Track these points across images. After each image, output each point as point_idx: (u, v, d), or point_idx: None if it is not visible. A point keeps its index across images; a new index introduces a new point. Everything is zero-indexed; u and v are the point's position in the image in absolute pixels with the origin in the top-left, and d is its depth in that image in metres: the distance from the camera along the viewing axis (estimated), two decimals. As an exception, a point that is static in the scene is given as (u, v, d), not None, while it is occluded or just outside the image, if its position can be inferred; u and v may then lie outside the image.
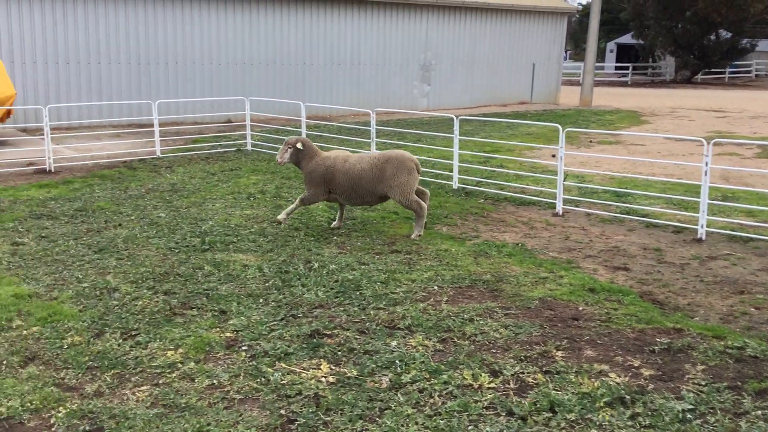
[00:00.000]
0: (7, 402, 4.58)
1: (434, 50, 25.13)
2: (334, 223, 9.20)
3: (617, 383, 4.91)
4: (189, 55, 19.54)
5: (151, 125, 18.09)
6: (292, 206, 9.12)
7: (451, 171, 12.10)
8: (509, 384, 4.89)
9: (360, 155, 8.97)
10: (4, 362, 5.13)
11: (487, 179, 12.18)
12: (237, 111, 19.90)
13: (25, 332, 5.65)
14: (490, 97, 27.23)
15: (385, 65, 23.92)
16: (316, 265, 7.49)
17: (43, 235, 8.44)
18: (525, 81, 28.36)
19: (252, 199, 10.71)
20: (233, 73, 20.52)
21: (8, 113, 14.51)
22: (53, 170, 12.68)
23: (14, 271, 7.11)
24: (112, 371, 5.03)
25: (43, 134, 15.88)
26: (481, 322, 5.97)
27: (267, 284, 6.89)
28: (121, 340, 5.53)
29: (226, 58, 20.29)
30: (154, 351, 5.35)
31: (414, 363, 5.14)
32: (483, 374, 5.00)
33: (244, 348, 5.43)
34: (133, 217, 9.43)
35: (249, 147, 15.42)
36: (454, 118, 11.90)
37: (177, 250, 7.97)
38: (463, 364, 5.15)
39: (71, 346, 5.40)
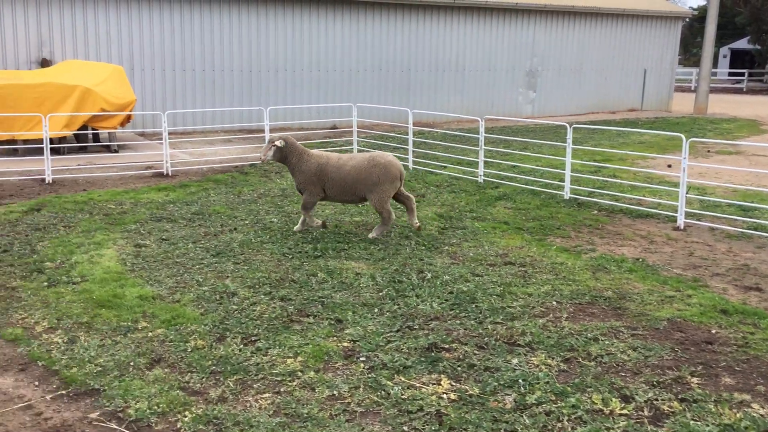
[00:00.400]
0: (135, 404, 4.69)
1: (541, 56, 24.63)
2: (296, 227, 9.15)
3: (761, 415, 4.55)
4: (298, 63, 19.91)
5: (261, 131, 18.53)
6: (302, 218, 9.07)
7: (561, 180, 11.74)
8: (643, 411, 4.61)
9: (349, 155, 9.08)
10: (132, 363, 5.27)
11: (599, 189, 11.75)
12: (342, 117, 20.14)
13: (150, 334, 5.81)
14: (598, 104, 26.43)
15: (489, 71, 23.63)
16: (429, 275, 7.38)
17: (163, 237, 8.71)
18: (635, 88, 27.38)
19: (360, 206, 10.72)
20: (339, 80, 20.77)
21: (128, 118, 15.16)
22: (170, 174, 13.14)
23: (138, 273, 7.35)
24: (235, 377, 5.07)
25: (159, 138, 16.55)
26: (606, 342, 5.69)
27: (381, 294, 6.83)
28: (242, 346, 5.58)
29: (333, 64, 20.56)
30: (274, 358, 5.37)
31: (538, 383, 4.94)
32: (613, 399, 4.74)
33: (362, 359, 5.38)
34: (247, 222, 9.61)
35: (355, 153, 15.50)
36: (567, 126, 11.54)
37: (290, 256, 8.04)
38: (590, 387, 4.90)
39: (195, 350, 5.50)
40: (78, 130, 14.39)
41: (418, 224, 9.20)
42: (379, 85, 21.54)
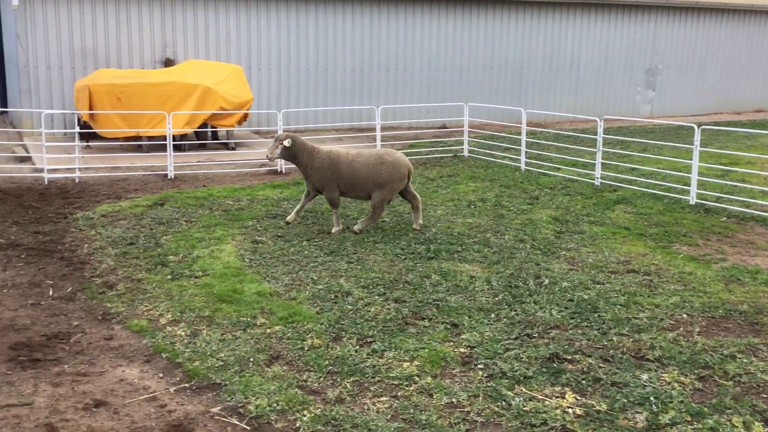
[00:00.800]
0: (256, 400, 4.72)
1: (661, 54, 23.54)
2: (290, 217, 9.22)
3: None
4: (409, 62, 19.88)
5: (371, 129, 18.62)
6: (334, 217, 8.96)
7: (686, 185, 11.13)
8: (791, 439, 4.24)
9: (358, 150, 8.99)
10: (251, 359, 5.33)
11: (728, 195, 11.06)
12: (451, 116, 19.94)
13: (268, 330, 5.86)
14: (722, 104, 25.01)
15: (606, 70, 22.81)
16: (547, 281, 7.12)
17: (279, 234, 8.83)
18: (763, 87, 25.74)
19: (472, 207, 10.54)
20: (450, 79, 20.59)
21: (245, 117, 15.57)
22: (283, 171, 13.38)
23: (256, 269, 7.47)
24: (352, 378, 5.03)
25: (272, 137, 16.89)
26: (744, 361, 5.29)
27: (497, 298, 6.65)
28: (357, 346, 5.54)
29: (444, 63, 20.40)
30: (390, 361, 5.29)
31: (671, 402, 4.63)
32: (756, 423, 4.37)
33: (480, 366, 5.22)
34: (358, 220, 9.61)
35: (466, 153, 15.31)
36: (695, 126, 10.91)
37: (403, 257, 7.97)
38: (730, 409, 4.55)
39: (312, 349, 5.50)
40: (198, 127, 14.91)
41: (421, 225, 9.06)
42: (490, 84, 21.21)
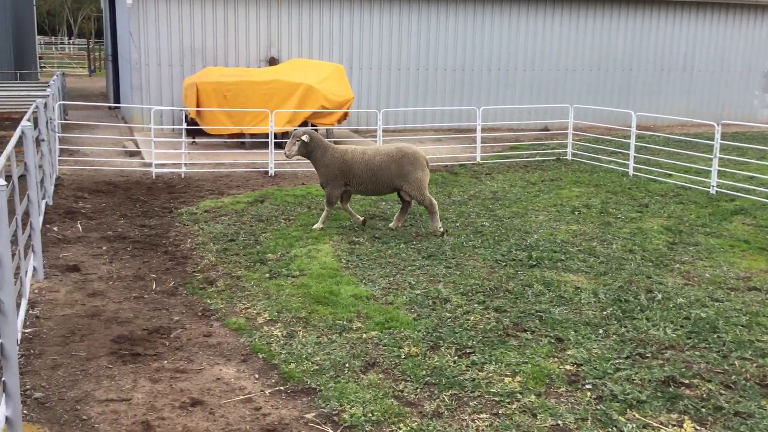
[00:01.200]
0: (351, 408, 4.58)
1: (783, 55, 22.08)
2: (353, 220, 9.07)
3: None
4: (512, 62, 19.43)
5: (471, 130, 18.31)
6: (324, 214, 8.92)
7: (814, 196, 10.30)
8: None
9: (375, 148, 8.91)
10: (347, 365, 5.20)
11: None
12: (554, 118, 19.37)
13: (364, 335, 5.72)
14: None
15: (722, 72, 21.59)
16: (660, 296, 6.67)
17: (376, 236, 8.71)
18: None
19: (577, 213, 10.10)
20: (554, 80, 20.00)
21: (345, 116, 15.61)
22: (382, 171, 13.28)
23: (352, 271, 7.36)
24: (450, 391, 4.82)
25: (372, 136, 16.89)
26: None
27: (604, 313, 6.27)
28: (456, 357, 5.32)
29: (548, 64, 19.83)
30: (490, 375, 5.04)
31: (805, 440, 4.18)
32: None
33: (588, 386, 4.89)
34: (457, 224, 9.38)
35: (569, 156, 14.78)
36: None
37: (504, 264, 7.68)
38: None
39: (408, 357, 5.32)
40: (299, 125, 15.04)
41: (397, 226, 8.98)
42: (596, 85, 20.46)
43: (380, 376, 5.05)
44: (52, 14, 65.22)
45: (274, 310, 6.24)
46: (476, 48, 19.03)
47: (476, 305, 6.39)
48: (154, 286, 6.89)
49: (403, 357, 5.33)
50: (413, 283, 6.99)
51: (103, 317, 6.03)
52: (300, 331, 5.82)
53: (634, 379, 4.97)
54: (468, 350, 5.45)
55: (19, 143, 6.56)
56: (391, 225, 9.09)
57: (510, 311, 6.26)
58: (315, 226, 8.89)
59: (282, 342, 5.61)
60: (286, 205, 10.25)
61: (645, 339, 5.69)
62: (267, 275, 7.17)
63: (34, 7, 31.58)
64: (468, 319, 6.05)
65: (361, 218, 9.14)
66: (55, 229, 8.58)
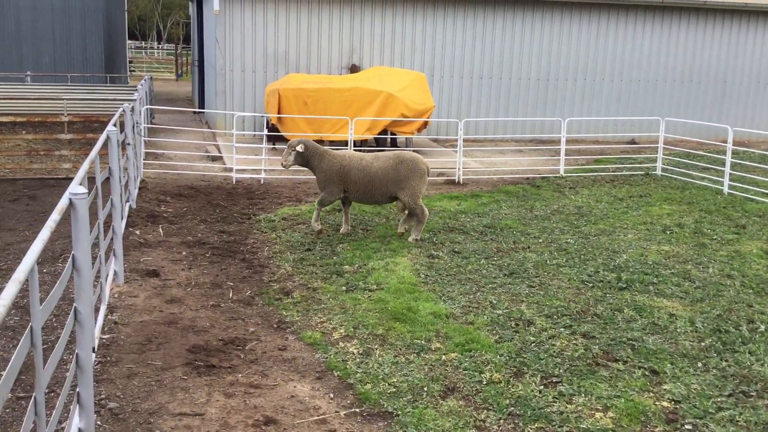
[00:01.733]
0: (429, 436, 4.34)
1: None
2: (342, 229, 8.95)
3: None
4: (599, 71, 18.82)
5: (553, 142, 17.80)
6: (315, 213, 8.77)
7: None
8: None
9: (374, 154, 8.80)
10: (425, 389, 4.96)
11: None
12: (641, 131, 18.66)
13: (443, 357, 5.48)
14: None
15: (825, 85, 20.36)
16: (762, 327, 6.18)
17: (455, 250, 8.45)
18: None
19: (668, 232, 9.57)
20: (642, 90, 19.26)
21: (425, 124, 15.39)
22: (461, 182, 13.01)
23: (431, 287, 7.12)
24: (536, 424, 4.51)
25: (452, 145, 16.62)
26: None
27: (703, 344, 5.83)
28: (542, 387, 5.01)
29: (637, 74, 19.11)
30: (580, 408, 4.71)
31: None
32: None
33: (687, 426, 4.51)
34: (540, 240, 9.02)
35: (659, 171, 14.13)
36: None
37: (591, 285, 7.29)
38: None
39: (490, 383, 5.04)
40: (378, 134, 14.91)
41: (403, 232, 8.88)
42: (687, 97, 19.60)
43: (460, 402, 4.79)
44: (143, 19, 67.59)
45: (351, 326, 6.06)
46: (561, 57, 18.51)
47: (562, 329, 6.05)
48: (231, 295, 6.83)
49: (484, 383, 5.05)
50: (494, 302, 6.70)
51: (180, 325, 5.99)
52: (377, 349, 5.62)
53: (738, 421, 4.56)
54: (554, 379, 5.12)
55: (105, 147, 6.61)
56: (399, 229, 8.91)
57: (599, 338, 5.89)
58: (313, 226, 8.76)
59: (358, 360, 5.42)
60: (363, 214, 10.10)
61: (748, 375, 5.24)
62: (344, 288, 7.01)
63: (126, 13, 32.69)
64: (554, 345, 5.72)
65: (347, 229, 8.98)
66: (137, 232, 8.67)
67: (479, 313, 6.41)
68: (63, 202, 3.61)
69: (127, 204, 9.40)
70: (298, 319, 6.23)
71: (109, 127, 6.71)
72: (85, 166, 4.68)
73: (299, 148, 8.66)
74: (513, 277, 7.47)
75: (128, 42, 37.84)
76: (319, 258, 7.98)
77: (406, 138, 15.52)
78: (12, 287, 2.42)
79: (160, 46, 68.31)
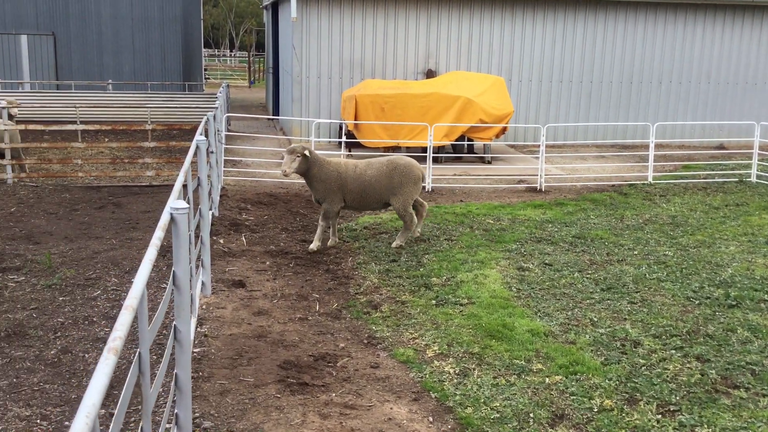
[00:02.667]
0: (541, 469, 4.03)
1: None
2: (330, 241, 8.65)
3: None
4: (685, 74, 18.04)
5: (635, 147, 17.15)
6: (319, 230, 8.46)
7: None
8: None
9: (367, 161, 8.63)
10: (531, 415, 4.65)
11: None
12: (731, 136, 17.81)
13: (547, 380, 5.14)
14: None
15: None
16: None
17: (546, 262, 8.08)
18: None
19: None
20: (731, 94, 18.38)
21: (503, 130, 15.01)
22: (543, 189, 12.59)
23: (524, 301, 6.79)
24: (657, 459, 4.15)
25: (530, 151, 16.18)
26: None
27: (832, 370, 5.32)
28: (659, 416, 4.63)
29: (726, 76, 18.25)
30: (704, 441, 4.32)
31: None
32: None
33: (830, 467, 4.06)
34: (635, 252, 8.56)
35: (754, 179, 13.38)
36: None
37: (697, 302, 6.82)
38: None
39: (602, 411, 4.69)
40: (456, 140, 14.61)
41: (419, 234, 8.87)
42: (781, 99, 18.61)
43: (571, 431, 4.45)
44: (216, 28, 69.07)
45: (444, 343, 5.79)
46: (645, 58, 17.82)
47: (673, 351, 5.63)
48: (317, 308, 6.65)
49: (595, 410, 4.70)
50: (595, 319, 6.32)
51: (269, 339, 5.83)
52: (474, 369, 5.33)
53: None
54: (672, 407, 4.73)
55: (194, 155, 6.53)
56: (329, 243, 8.67)
57: (715, 361, 5.46)
58: (311, 247, 8.39)
59: (455, 381, 5.14)
60: (446, 223, 9.82)
61: None
62: (433, 302, 6.74)
63: (202, 21, 33.34)
64: (666, 369, 5.32)
65: (335, 241, 8.70)
66: (221, 241, 8.62)
67: (580, 331, 6.04)
68: (165, 218, 3.47)
69: (211, 212, 9.38)
70: (389, 335, 6.00)
71: (198, 137, 6.64)
72: (180, 178, 4.57)
73: (306, 153, 8.23)
74: (611, 293, 7.06)
75: (203, 50, 38.62)
76: (405, 270, 7.74)
77: (483, 144, 15.17)
78: (126, 316, 2.25)
79: (233, 53, 69.65)
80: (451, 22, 16.84)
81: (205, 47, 59.78)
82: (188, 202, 5.29)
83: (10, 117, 12.12)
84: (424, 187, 9.57)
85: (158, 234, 3.18)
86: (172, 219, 3.61)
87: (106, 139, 17.09)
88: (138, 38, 23.93)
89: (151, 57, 24.07)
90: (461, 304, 6.66)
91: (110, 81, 22.60)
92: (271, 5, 22.65)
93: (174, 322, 3.71)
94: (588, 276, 7.59)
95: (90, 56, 23.56)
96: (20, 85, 22.78)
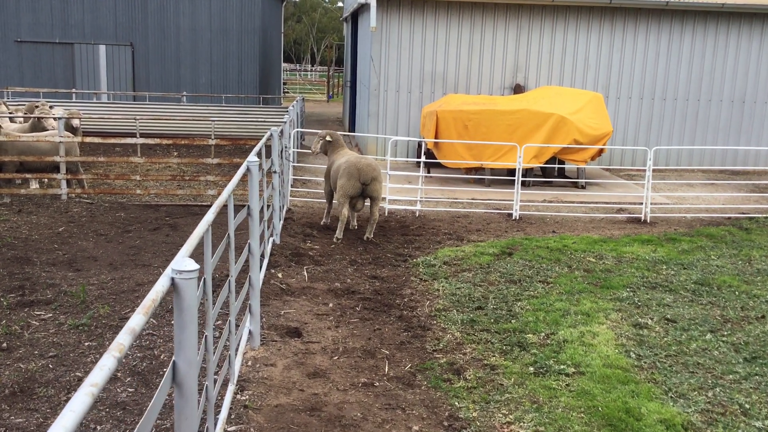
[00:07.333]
0: None
1: None
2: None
3: None
4: (809, 92, 16.07)
5: (749, 174, 15.31)
6: (340, 224, 9.03)
7: None
8: None
9: (355, 155, 9.27)
10: None
11: None
12: None
13: (696, 503, 3.74)
14: None
15: None
16: None
17: (667, 316, 6.62)
18: None
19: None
20: None
21: (600, 152, 13.48)
22: (649, 221, 11.03)
23: (648, 374, 5.37)
24: None
25: (627, 176, 14.58)
26: None
27: None
28: None
29: None
30: None
31: None
32: None
33: None
34: None
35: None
36: None
37: None
38: None
39: None
40: (546, 162, 13.19)
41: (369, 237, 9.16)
42: None
43: None
44: (298, 42, 69.26)
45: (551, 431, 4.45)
46: (761, 75, 15.95)
47: None
48: (386, 369, 5.41)
49: None
50: (746, 406, 4.85)
51: (324, 414, 4.62)
52: (592, 477, 3.98)
53: None
54: None
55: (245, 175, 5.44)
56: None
57: None
58: (336, 235, 9.04)
59: (568, 495, 3.80)
60: (539, 260, 8.45)
61: None
62: (531, 369, 5.40)
63: (282, 35, 32.83)
64: None
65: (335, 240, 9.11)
66: (279, 275, 7.50)
67: (729, 424, 4.60)
68: (158, 287, 2.30)
69: (271, 240, 8.30)
70: (476, 416, 4.70)
71: (251, 157, 5.54)
72: (209, 216, 3.42)
73: (328, 138, 9.58)
74: (758, 365, 5.56)
75: (283, 64, 38.21)
76: (494, 321, 6.42)
77: (577, 168, 13.68)
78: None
79: (314, 68, 69.71)
80: (543, 32, 15.44)
81: (287, 62, 59.77)
82: (228, 240, 4.16)
83: (73, 129, 11.42)
84: (385, 198, 10.45)
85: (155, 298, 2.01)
86: (174, 285, 2.45)
87: (176, 153, 16.41)
88: (215, 50, 23.42)
89: (228, 69, 23.52)
90: (567, 374, 5.30)
91: (185, 93, 22.12)
92: (351, 16, 21.75)
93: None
94: (723, 339, 6.10)
95: (167, 68, 23.18)
96: (95, 95, 22.59)
